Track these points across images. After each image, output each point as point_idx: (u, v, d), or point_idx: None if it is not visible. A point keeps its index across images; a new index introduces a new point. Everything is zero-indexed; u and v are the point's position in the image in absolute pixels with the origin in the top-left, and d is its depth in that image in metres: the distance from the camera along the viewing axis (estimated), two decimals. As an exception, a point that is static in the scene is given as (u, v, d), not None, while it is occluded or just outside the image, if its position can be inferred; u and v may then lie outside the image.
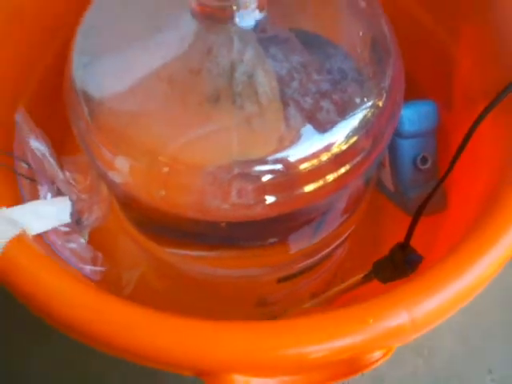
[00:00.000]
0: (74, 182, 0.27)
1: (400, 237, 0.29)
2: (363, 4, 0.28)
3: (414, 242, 0.28)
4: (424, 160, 0.32)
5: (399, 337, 0.20)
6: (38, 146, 0.26)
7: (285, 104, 0.24)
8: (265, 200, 0.24)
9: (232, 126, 0.23)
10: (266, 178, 0.24)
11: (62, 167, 0.27)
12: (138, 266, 0.36)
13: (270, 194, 0.24)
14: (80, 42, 0.27)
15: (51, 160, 0.26)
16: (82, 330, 0.20)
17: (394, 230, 0.31)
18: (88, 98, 0.26)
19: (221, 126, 0.24)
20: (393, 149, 0.32)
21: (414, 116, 0.31)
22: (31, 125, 0.26)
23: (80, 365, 0.36)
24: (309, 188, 0.25)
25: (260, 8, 0.24)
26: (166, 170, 0.24)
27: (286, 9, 0.27)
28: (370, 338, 0.19)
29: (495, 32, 0.29)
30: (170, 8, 0.26)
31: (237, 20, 0.23)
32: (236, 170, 0.23)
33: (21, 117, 0.26)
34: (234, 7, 0.23)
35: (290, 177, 0.24)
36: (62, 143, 0.33)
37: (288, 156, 0.24)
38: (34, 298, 0.21)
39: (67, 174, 0.27)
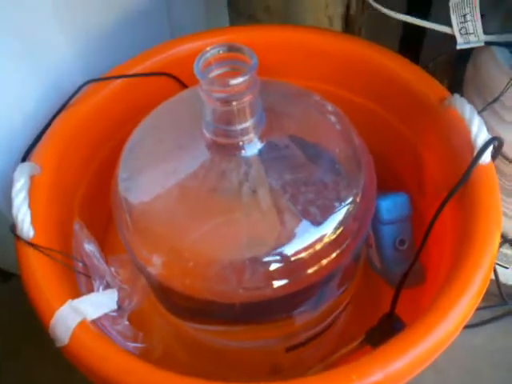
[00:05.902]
0: (117, 275, 0.34)
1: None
2: (336, 123, 0.34)
3: (403, 313, 0.33)
4: (402, 242, 0.38)
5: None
6: (90, 248, 0.33)
7: (282, 209, 0.30)
8: (272, 284, 0.30)
9: (242, 229, 0.30)
10: (271, 266, 0.29)
11: (108, 264, 0.33)
12: (166, 339, 0.41)
13: (275, 279, 0.30)
14: (124, 160, 0.34)
15: (100, 259, 0.33)
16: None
17: (385, 302, 0.35)
18: (129, 206, 0.32)
19: (233, 229, 0.30)
20: (376, 233, 0.38)
21: (390, 206, 0.37)
22: (85, 232, 0.33)
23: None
24: (307, 272, 0.30)
25: (261, 139, 0.30)
26: (190, 264, 0.30)
27: (282, 120, 0.33)
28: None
29: (447, 136, 0.36)
30: (192, 137, 0.31)
31: (242, 152, 0.29)
32: (247, 263, 0.29)
33: (78, 226, 0.33)
34: (240, 143, 0.29)
35: (290, 264, 0.30)
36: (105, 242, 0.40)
37: (287, 249, 0.29)
38: (96, 369, 0.27)
39: (112, 269, 0.33)
